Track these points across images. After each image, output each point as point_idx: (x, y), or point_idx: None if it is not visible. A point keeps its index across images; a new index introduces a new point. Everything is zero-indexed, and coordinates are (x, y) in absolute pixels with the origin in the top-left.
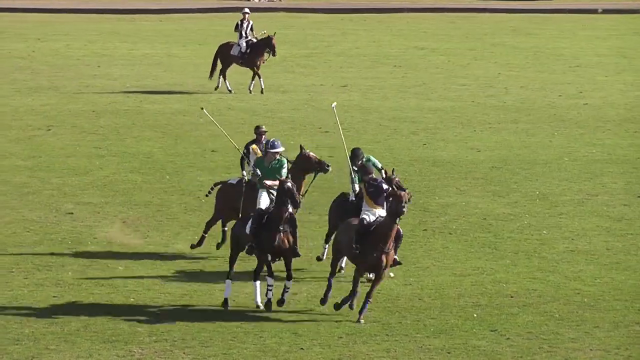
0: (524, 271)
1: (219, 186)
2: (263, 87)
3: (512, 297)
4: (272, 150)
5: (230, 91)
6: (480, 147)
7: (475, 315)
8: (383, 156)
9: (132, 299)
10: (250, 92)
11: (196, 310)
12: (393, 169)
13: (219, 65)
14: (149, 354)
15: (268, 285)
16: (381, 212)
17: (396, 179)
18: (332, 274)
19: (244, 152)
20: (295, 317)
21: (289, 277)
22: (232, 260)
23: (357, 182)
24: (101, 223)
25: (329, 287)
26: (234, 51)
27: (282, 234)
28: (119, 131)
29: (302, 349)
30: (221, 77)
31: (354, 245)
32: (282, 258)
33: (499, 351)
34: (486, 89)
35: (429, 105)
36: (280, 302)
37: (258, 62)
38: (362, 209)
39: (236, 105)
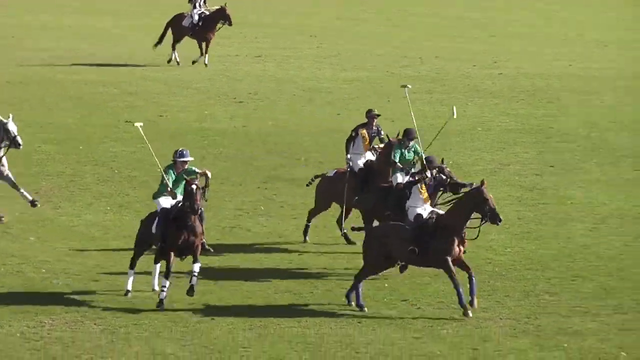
0: None
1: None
2: (207, 62)
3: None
4: (180, 160)
5: (178, 63)
6: (395, 118)
7: (386, 285)
8: (298, 126)
9: (43, 270)
10: (206, 66)
11: (107, 281)
12: (442, 159)
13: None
14: (59, 325)
15: (162, 286)
16: (429, 207)
17: (447, 168)
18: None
19: (351, 135)
20: (205, 287)
21: (195, 261)
22: (137, 253)
23: (397, 159)
24: (14, 194)
25: (357, 289)
26: (186, 22)
27: (188, 232)
28: (34, 102)
29: (212, 319)
30: (174, 49)
31: (413, 248)
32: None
33: (410, 321)
34: (401, 59)
35: (344, 75)
36: (190, 290)
37: (209, 36)
38: (413, 202)
39: (150, 75)
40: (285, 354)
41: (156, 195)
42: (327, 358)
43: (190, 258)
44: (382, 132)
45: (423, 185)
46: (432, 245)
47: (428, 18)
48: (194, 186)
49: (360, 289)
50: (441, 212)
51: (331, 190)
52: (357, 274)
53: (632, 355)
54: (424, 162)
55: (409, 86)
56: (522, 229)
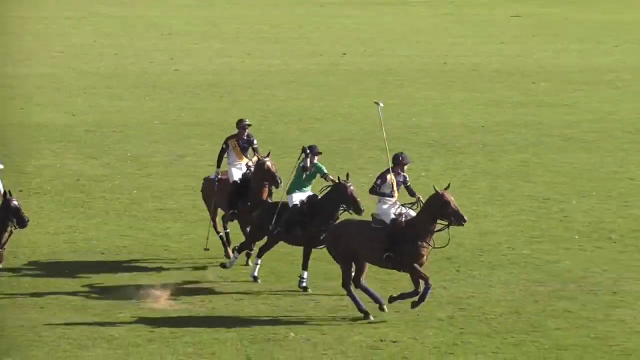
0: (114, 229)
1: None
2: None
3: (103, 253)
4: None
5: None
6: (75, 112)
7: (67, 271)
8: None
9: None
10: None
11: None
12: (347, 174)
13: None
14: None
15: None
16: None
17: (351, 187)
18: (349, 283)
19: (222, 147)
20: None
21: None
22: None
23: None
24: None
25: (356, 298)
26: None
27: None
28: None
29: None
30: None
31: (389, 254)
32: None
33: (91, 305)
34: (82, 56)
35: (26, 71)
36: None
37: None
38: (384, 203)
39: None
40: None
41: None
42: (10, 342)
43: None
44: (255, 142)
45: (394, 179)
46: (400, 248)
47: (106, 17)
48: (16, 202)
49: (357, 295)
50: (413, 213)
51: (211, 193)
52: (344, 283)
53: (299, 335)
54: (329, 180)
55: (382, 104)
56: (197, 217)
